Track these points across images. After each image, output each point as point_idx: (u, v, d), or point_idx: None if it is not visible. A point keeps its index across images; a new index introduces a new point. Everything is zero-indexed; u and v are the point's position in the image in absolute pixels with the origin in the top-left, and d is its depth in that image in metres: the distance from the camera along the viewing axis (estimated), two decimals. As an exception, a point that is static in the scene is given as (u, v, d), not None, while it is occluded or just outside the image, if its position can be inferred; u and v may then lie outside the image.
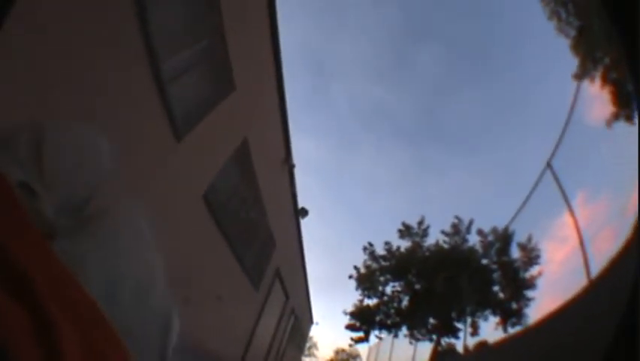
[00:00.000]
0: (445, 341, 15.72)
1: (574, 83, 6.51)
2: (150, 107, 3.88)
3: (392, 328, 17.54)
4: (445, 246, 17.60)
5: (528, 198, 8.40)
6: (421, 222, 19.14)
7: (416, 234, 18.87)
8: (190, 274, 5.17)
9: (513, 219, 10.21)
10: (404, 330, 17.25)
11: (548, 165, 6.97)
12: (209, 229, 5.69)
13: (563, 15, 6.40)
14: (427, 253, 18.03)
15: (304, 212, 12.73)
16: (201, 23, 4.69)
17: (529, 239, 12.48)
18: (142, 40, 3.54)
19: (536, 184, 7.70)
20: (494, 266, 14.14)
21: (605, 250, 4.98)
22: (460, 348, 13.32)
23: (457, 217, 17.92)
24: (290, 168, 9.88)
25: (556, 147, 6.76)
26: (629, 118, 5.41)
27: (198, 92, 4.93)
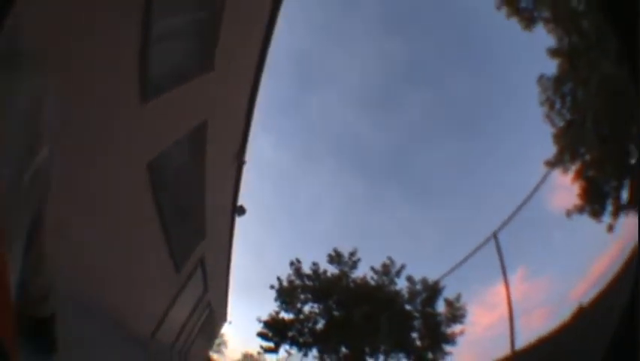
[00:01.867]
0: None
1: (543, 169, 6.98)
2: (128, 60, 3.76)
3: (303, 346, 17.46)
4: (372, 282, 17.89)
5: (466, 259, 8.84)
6: (353, 253, 19.34)
7: (345, 263, 19.04)
8: (116, 236, 4.93)
9: (446, 275, 10.69)
10: (314, 352, 17.25)
11: (494, 235, 7.37)
12: (144, 197, 5.45)
13: (557, 105, 6.89)
14: (352, 285, 18.22)
15: (242, 210, 12.55)
16: None
17: (458, 298, 13.06)
18: None
19: (477, 249, 8.11)
20: (417, 314, 14.56)
21: (534, 326, 5.33)
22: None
23: (389, 258, 18.30)
24: (240, 163, 9.76)
25: (507, 220, 7.18)
26: (595, 214, 5.88)
27: (177, 61, 4.84)
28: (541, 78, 7.15)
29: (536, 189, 6.86)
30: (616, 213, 5.58)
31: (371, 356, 15.13)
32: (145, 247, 6.27)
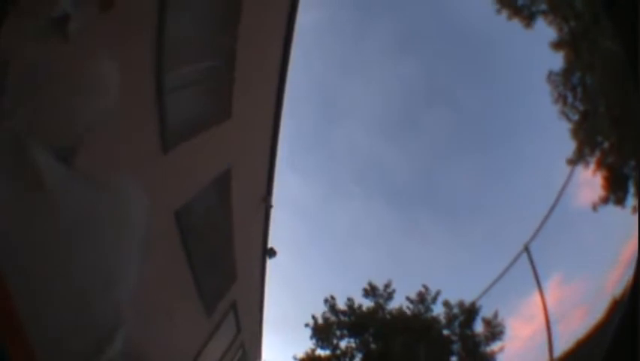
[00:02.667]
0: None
1: (566, 168, 6.74)
2: (146, 111, 3.90)
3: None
4: (408, 312, 17.34)
5: (500, 277, 8.48)
6: (387, 285, 18.85)
7: (380, 295, 18.56)
8: (146, 286, 4.97)
9: (482, 295, 10.25)
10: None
11: (526, 248, 7.09)
12: (173, 245, 5.54)
13: (570, 99, 6.72)
14: (388, 316, 17.70)
15: (272, 252, 12.57)
16: (215, 42, 4.80)
17: (495, 315, 12.48)
18: (154, 42, 3.61)
19: (510, 265, 7.80)
20: (455, 338, 13.96)
21: (572, 330, 5.02)
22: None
23: (424, 286, 17.77)
24: (267, 207, 9.85)
25: (537, 231, 6.92)
26: (619, 201, 5.57)
27: (194, 110, 4.97)
28: (550, 75, 7.02)
29: (562, 191, 6.63)
30: (638, 193, 5.29)
31: (409, 380, 14.49)
32: (174, 292, 6.30)
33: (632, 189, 5.53)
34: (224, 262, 8.10)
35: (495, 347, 12.33)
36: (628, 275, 3.48)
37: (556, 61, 6.71)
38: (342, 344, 18.19)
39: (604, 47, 5.31)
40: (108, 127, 3.14)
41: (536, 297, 6.31)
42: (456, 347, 13.94)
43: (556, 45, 6.65)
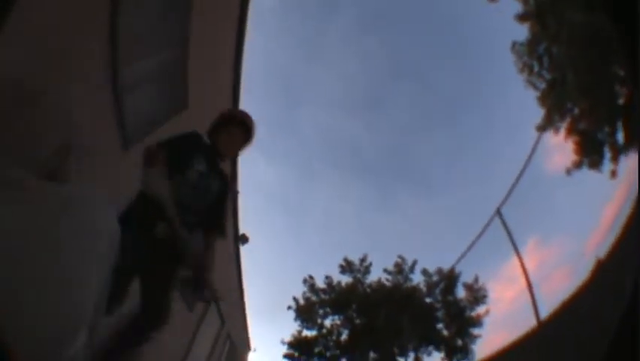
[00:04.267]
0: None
1: (535, 135, 6.90)
2: (104, 111, 3.81)
3: (331, 360, 17.21)
4: (387, 284, 17.73)
5: (475, 242, 8.69)
6: (363, 260, 19.22)
7: (357, 270, 18.87)
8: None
9: (458, 260, 10.52)
10: (344, 363, 17.01)
11: (498, 211, 7.26)
12: None
13: (536, 68, 6.85)
14: (369, 290, 18.05)
15: (245, 239, 12.51)
16: (168, 33, 4.69)
17: (476, 280, 12.93)
18: (108, 42, 3.53)
19: (484, 229, 7.99)
20: (438, 305, 14.40)
21: (557, 290, 5.20)
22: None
23: (400, 257, 18.18)
24: (234, 194, 9.73)
25: (509, 194, 7.08)
26: (594, 164, 5.79)
27: (150, 104, 4.85)
28: (514, 45, 7.14)
29: (531, 156, 6.77)
30: (615, 158, 5.50)
31: (401, 355, 14.89)
32: None
33: (608, 154, 5.76)
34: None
35: (480, 311, 12.83)
36: (612, 237, 3.62)
37: (521, 32, 6.83)
38: (327, 322, 18.49)
39: (572, 18, 5.41)
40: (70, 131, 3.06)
41: (515, 260, 6.43)
42: (440, 313, 14.40)
43: (521, 17, 6.72)
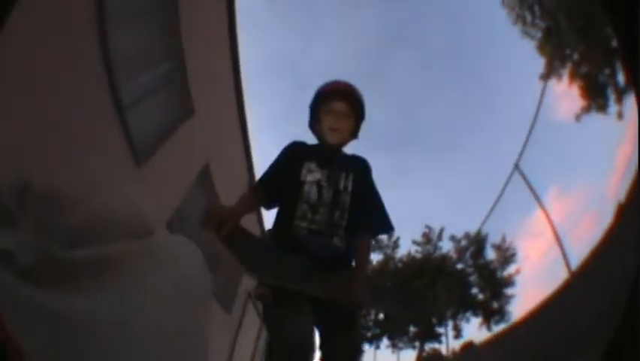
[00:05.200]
0: (428, 346, 15.73)
1: (540, 84, 6.75)
2: (110, 133, 3.82)
3: (373, 340, 17.37)
4: (418, 255, 17.67)
5: (497, 200, 8.60)
6: (390, 235, 19.13)
7: (387, 246, 18.84)
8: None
9: (484, 222, 10.43)
10: (385, 341, 17.14)
11: (516, 166, 7.17)
12: None
13: (529, 18, 6.66)
14: (400, 265, 18.03)
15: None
16: (160, 47, 4.70)
17: (503, 239, 12.79)
18: (103, 64, 3.52)
19: (505, 186, 7.90)
20: (470, 270, 14.35)
21: (584, 239, 5.12)
22: (445, 352, 13.32)
23: (427, 226, 18.07)
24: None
25: (524, 148, 6.97)
26: (601, 107, 5.63)
27: (157, 116, 4.86)
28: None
29: (539, 107, 6.65)
30: (619, 99, 5.33)
31: (439, 325, 14.95)
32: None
33: (612, 96, 5.58)
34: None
35: (511, 270, 12.72)
36: (628, 179, 3.54)
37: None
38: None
39: None
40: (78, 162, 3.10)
41: (539, 213, 6.36)
42: (473, 278, 14.33)
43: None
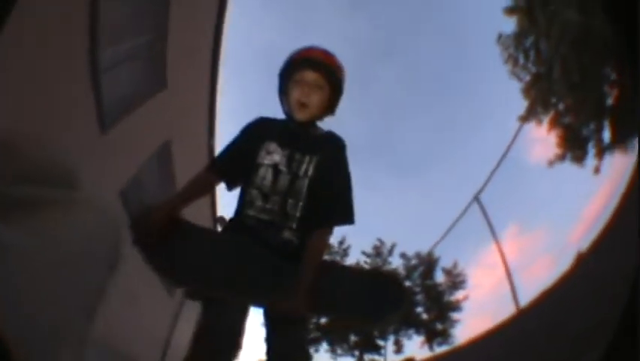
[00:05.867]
0: (368, 357, 15.92)
1: (517, 125, 7.02)
2: (81, 94, 3.76)
3: (312, 343, 17.42)
4: (366, 267, 17.89)
5: (451, 227, 8.87)
6: (342, 241, 19.25)
7: (336, 253, 18.94)
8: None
9: (436, 245, 10.75)
10: (325, 345, 17.23)
11: (476, 198, 7.41)
12: (124, 227, 5.36)
13: (521, 60, 6.93)
14: (347, 272, 18.16)
15: (222, 221, 12.38)
16: (147, 16, 4.67)
17: (455, 265, 13.19)
18: (87, 25, 3.49)
19: (461, 215, 8.15)
20: (417, 289, 14.67)
21: (537, 279, 5.38)
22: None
23: (379, 240, 18.32)
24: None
25: (487, 181, 7.22)
26: (578, 159, 5.92)
27: (130, 85, 4.82)
28: (500, 37, 7.20)
29: (511, 145, 6.90)
30: (600, 155, 5.64)
31: (381, 338, 15.20)
32: (135, 275, 6.06)
33: (592, 151, 5.91)
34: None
35: (459, 296, 13.13)
36: (595, 232, 3.75)
37: (508, 25, 6.87)
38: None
39: (565, 16, 5.46)
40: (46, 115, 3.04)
41: (494, 247, 6.57)
42: (419, 297, 14.69)
43: (510, 10, 6.77)
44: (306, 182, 1.55)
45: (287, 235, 1.49)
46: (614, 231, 3.49)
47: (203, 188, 1.65)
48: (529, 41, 6.75)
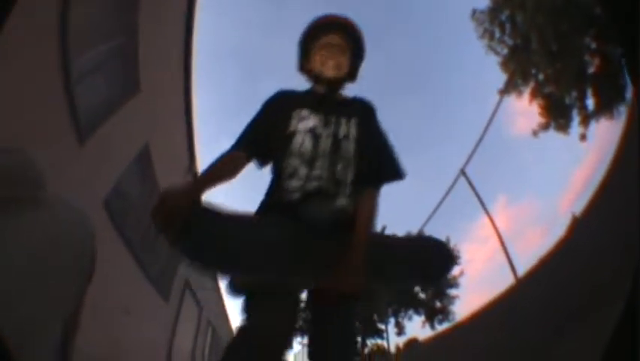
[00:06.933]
0: (370, 342, 16.06)
1: (498, 99, 7.04)
2: (56, 107, 3.67)
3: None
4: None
5: (441, 203, 8.88)
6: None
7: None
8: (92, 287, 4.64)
9: (426, 222, 10.77)
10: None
11: (462, 172, 7.43)
12: (109, 237, 5.25)
13: (497, 34, 6.93)
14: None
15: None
16: (116, 21, 4.58)
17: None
18: (57, 37, 3.42)
19: (449, 190, 8.17)
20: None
21: (532, 248, 5.42)
22: (388, 348, 13.63)
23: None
24: (194, 175, 9.54)
25: (471, 154, 7.24)
26: (562, 127, 5.95)
27: (103, 92, 4.74)
28: (474, 13, 7.20)
29: (492, 118, 6.88)
30: (585, 122, 5.66)
31: (381, 321, 15.33)
32: (124, 285, 5.95)
33: (576, 118, 5.93)
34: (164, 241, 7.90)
35: (455, 272, 13.27)
36: (587, 196, 3.77)
37: (482, 2, 6.84)
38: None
39: None
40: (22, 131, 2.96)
41: (485, 219, 6.57)
42: (415, 277, 14.78)
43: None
44: (352, 144, 1.44)
45: (340, 202, 1.34)
46: (608, 193, 3.53)
47: (231, 169, 1.45)
48: (504, 15, 6.75)
